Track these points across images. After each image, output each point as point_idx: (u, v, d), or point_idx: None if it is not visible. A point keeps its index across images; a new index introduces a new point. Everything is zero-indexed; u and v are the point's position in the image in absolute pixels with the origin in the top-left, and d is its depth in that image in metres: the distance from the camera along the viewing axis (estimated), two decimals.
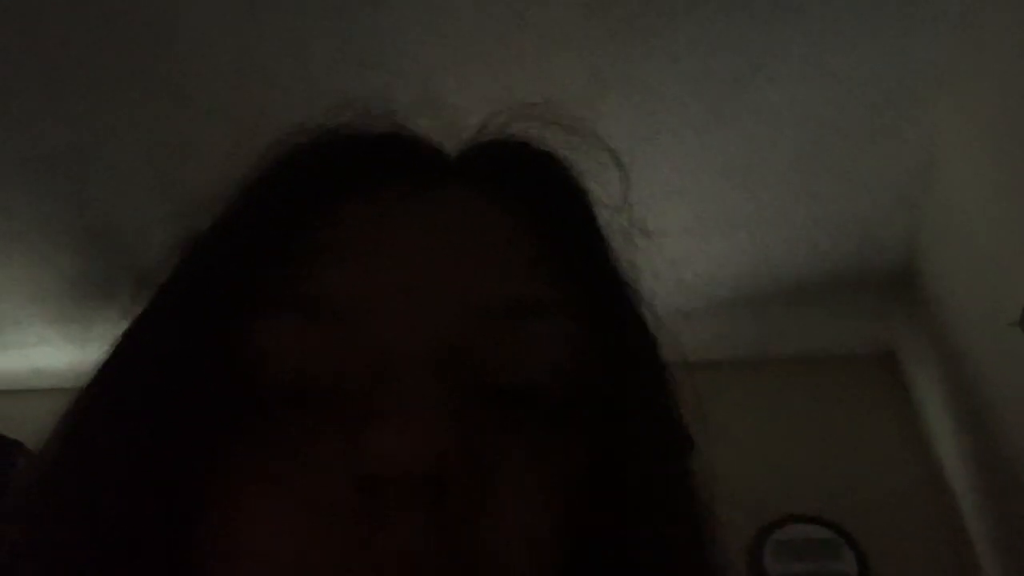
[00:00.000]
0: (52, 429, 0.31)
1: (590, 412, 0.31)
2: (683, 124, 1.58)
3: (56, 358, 2.20)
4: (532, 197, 0.36)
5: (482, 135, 0.39)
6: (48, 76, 1.51)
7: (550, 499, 0.28)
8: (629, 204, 0.39)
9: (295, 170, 0.35)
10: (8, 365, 2.32)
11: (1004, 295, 1.43)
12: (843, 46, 1.43)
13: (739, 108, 1.55)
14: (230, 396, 0.29)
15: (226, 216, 0.34)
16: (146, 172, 1.69)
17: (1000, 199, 1.41)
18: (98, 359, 0.32)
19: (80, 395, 0.31)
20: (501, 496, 0.27)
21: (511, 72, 1.47)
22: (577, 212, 0.37)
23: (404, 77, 1.45)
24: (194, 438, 0.28)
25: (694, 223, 1.81)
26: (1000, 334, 1.42)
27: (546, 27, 1.41)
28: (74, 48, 1.45)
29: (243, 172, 0.35)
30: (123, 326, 0.33)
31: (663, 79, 1.50)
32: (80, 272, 1.96)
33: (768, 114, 1.56)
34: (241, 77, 1.51)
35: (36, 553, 0.27)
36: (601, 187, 0.38)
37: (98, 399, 0.31)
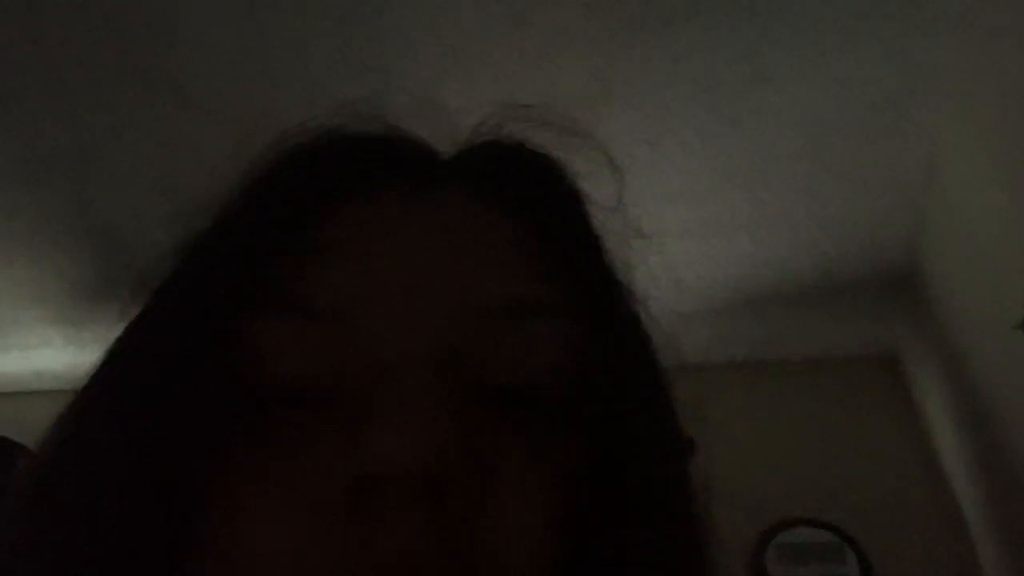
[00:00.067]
0: (50, 429, 0.31)
1: (589, 412, 0.31)
2: (684, 126, 1.58)
3: (57, 360, 2.21)
4: (528, 198, 0.36)
5: (477, 136, 0.39)
6: (49, 76, 1.51)
7: (550, 499, 0.28)
8: (624, 205, 0.39)
9: (293, 171, 0.35)
10: (9, 367, 2.33)
11: (1006, 297, 1.43)
12: (844, 48, 1.43)
13: (740, 110, 1.55)
14: (229, 396, 0.29)
15: (224, 217, 0.34)
16: (147, 173, 1.69)
17: (1002, 200, 1.41)
18: (97, 359, 0.32)
19: (78, 395, 0.31)
20: (501, 496, 0.27)
21: (513, 75, 1.47)
22: (572, 213, 0.37)
23: (405, 79, 1.45)
24: (193, 438, 0.28)
25: (695, 225, 1.81)
26: (1002, 336, 1.42)
27: (547, 30, 1.41)
28: (75, 49, 1.45)
29: (241, 173, 0.35)
30: (123, 327, 0.33)
31: (665, 82, 1.50)
32: (82, 273, 1.96)
33: (769, 116, 1.56)
34: (242, 78, 1.51)
35: (36, 554, 0.27)
36: (596, 188, 0.38)
37: (96, 399, 0.31)
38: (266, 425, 0.28)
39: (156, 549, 0.27)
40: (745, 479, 1.91)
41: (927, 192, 1.71)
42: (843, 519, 1.95)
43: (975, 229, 1.55)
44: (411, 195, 0.34)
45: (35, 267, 1.97)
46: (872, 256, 1.90)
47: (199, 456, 0.28)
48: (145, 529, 0.27)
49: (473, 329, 0.30)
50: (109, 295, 1.90)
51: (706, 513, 0.33)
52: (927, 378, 2.02)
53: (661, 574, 0.29)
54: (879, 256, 1.90)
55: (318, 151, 0.36)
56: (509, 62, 1.46)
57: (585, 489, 0.29)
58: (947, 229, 1.71)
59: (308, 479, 0.27)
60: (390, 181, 0.35)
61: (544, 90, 1.46)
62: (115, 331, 0.33)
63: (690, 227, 1.81)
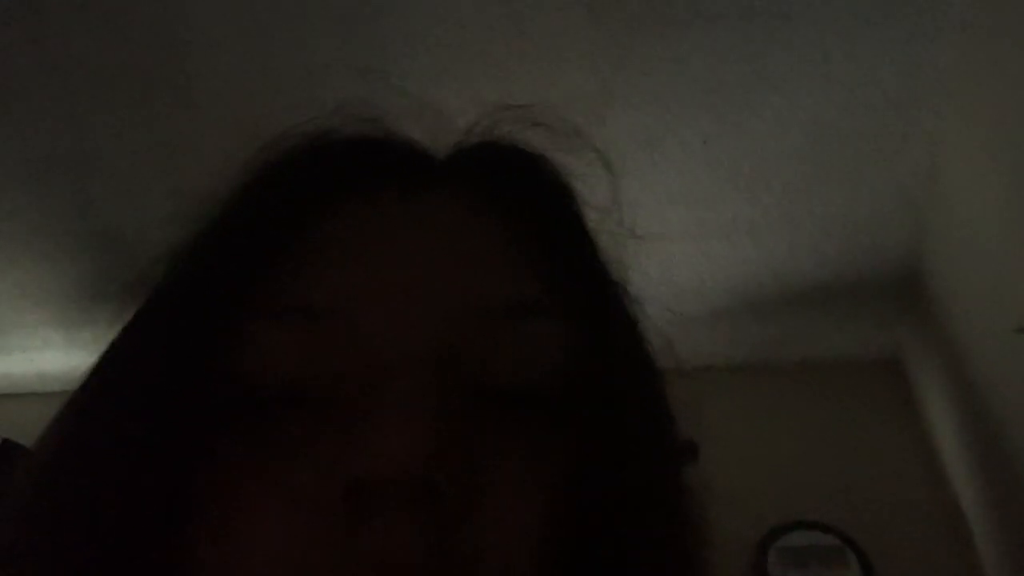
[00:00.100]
0: (49, 428, 0.31)
1: (585, 412, 0.31)
2: (686, 128, 1.59)
3: (61, 362, 2.21)
4: (522, 198, 0.36)
5: (471, 136, 0.39)
6: (52, 79, 1.51)
7: (547, 499, 0.28)
8: (619, 204, 0.39)
9: (289, 173, 0.35)
10: (12, 368, 2.33)
11: (1009, 300, 1.42)
12: (846, 50, 1.43)
13: (742, 112, 1.55)
14: (228, 397, 0.29)
15: (222, 218, 0.34)
16: (149, 174, 1.69)
17: (1005, 204, 1.41)
18: (94, 359, 0.32)
19: (75, 396, 0.32)
20: (498, 497, 0.27)
21: (514, 78, 1.47)
22: (566, 213, 0.37)
23: (406, 82, 1.45)
24: (191, 438, 0.28)
25: (697, 227, 1.81)
26: (1003, 339, 1.42)
27: (549, 32, 1.41)
28: (78, 51, 1.46)
29: (238, 174, 0.35)
30: (121, 326, 0.33)
31: (666, 84, 1.50)
32: (85, 276, 1.96)
33: (771, 118, 1.56)
34: (244, 79, 1.51)
35: (34, 553, 0.27)
36: (591, 188, 0.38)
37: (94, 401, 0.31)
38: (265, 426, 0.28)
39: (154, 549, 0.27)
40: (747, 482, 1.91)
41: (929, 195, 1.70)
42: (845, 522, 1.95)
43: (977, 232, 1.55)
44: (407, 197, 0.34)
45: (37, 269, 1.97)
46: (874, 259, 1.90)
47: (197, 456, 0.28)
48: (144, 528, 0.27)
49: (470, 330, 0.30)
50: (111, 297, 1.90)
51: (702, 513, 0.33)
52: (929, 381, 2.01)
53: (655, 573, 0.29)
54: (881, 259, 1.90)
55: (314, 153, 0.36)
56: (510, 65, 1.46)
57: (582, 489, 0.29)
58: (949, 232, 1.71)
59: (306, 480, 0.27)
60: (386, 183, 0.35)
61: (545, 92, 1.46)
62: (116, 331, 0.33)
63: (692, 229, 1.81)
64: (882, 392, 2.15)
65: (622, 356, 0.34)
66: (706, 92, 1.51)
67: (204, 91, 1.53)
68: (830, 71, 1.46)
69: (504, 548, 0.27)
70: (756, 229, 1.82)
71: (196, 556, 0.27)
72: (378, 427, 0.26)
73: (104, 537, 0.27)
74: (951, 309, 1.78)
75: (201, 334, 0.30)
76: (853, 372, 2.18)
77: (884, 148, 1.62)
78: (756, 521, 1.94)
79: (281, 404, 0.29)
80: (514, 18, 1.39)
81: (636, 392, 0.33)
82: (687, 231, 1.81)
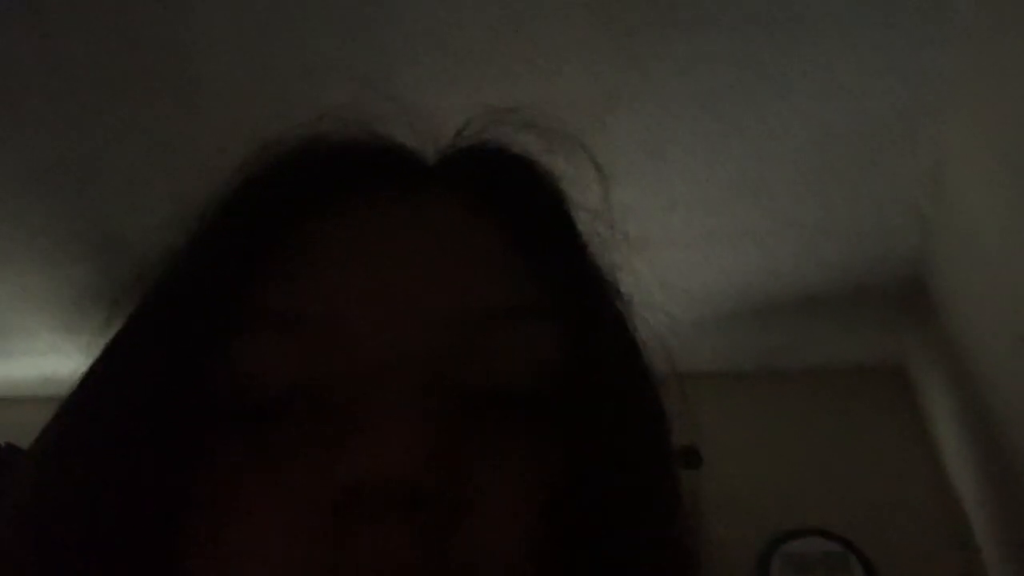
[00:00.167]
0: (44, 430, 0.31)
1: (573, 416, 0.31)
2: (690, 135, 1.58)
3: (66, 367, 2.20)
4: (510, 201, 0.36)
5: (460, 140, 0.39)
6: (58, 84, 1.52)
7: (540, 503, 0.28)
8: (610, 207, 0.39)
9: (278, 178, 0.35)
10: (18, 373, 2.33)
11: (1014, 308, 1.42)
12: (852, 58, 1.42)
13: (746, 119, 1.55)
14: (217, 409, 0.29)
15: (212, 223, 0.34)
16: (153, 179, 1.69)
17: (1010, 211, 1.41)
18: (90, 361, 0.33)
19: (70, 399, 0.32)
20: (486, 503, 0.27)
21: (516, 83, 1.47)
22: (555, 215, 0.37)
23: (407, 87, 1.45)
24: (188, 440, 0.28)
25: (701, 234, 1.81)
26: (1010, 346, 1.41)
27: (552, 38, 1.42)
28: (80, 54, 1.46)
29: (225, 181, 0.35)
30: (112, 335, 0.33)
31: (670, 90, 1.50)
32: (91, 280, 1.97)
33: (775, 125, 1.56)
34: (248, 85, 1.51)
35: (31, 553, 0.28)
36: (582, 191, 0.38)
37: (90, 403, 0.31)
38: (261, 428, 0.28)
39: (151, 550, 0.27)
40: (751, 488, 1.91)
41: (934, 202, 1.70)
42: (849, 529, 1.94)
43: (984, 240, 1.55)
44: (393, 201, 0.35)
45: (42, 273, 1.98)
46: (879, 266, 1.89)
47: (195, 457, 0.28)
48: (140, 529, 0.27)
49: (462, 333, 0.30)
50: (113, 300, 1.90)
51: (699, 517, 0.33)
52: (934, 388, 2.01)
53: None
54: (886, 266, 1.89)
55: (303, 157, 0.36)
56: (513, 70, 1.46)
57: (575, 493, 0.29)
58: (955, 239, 1.70)
59: (300, 484, 0.27)
60: (375, 186, 0.35)
61: (548, 98, 1.46)
62: (113, 332, 0.33)
63: (696, 236, 1.81)
64: (886, 399, 2.15)
65: (614, 358, 0.33)
66: (710, 98, 1.51)
67: (206, 94, 1.53)
68: (835, 77, 1.46)
69: (497, 552, 0.26)
70: (760, 235, 1.82)
71: (191, 558, 0.27)
72: (370, 432, 0.26)
73: (101, 537, 0.27)
74: (956, 316, 1.78)
75: (195, 338, 0.30)
76: (857, 378, 2.17)
77: (889, 154, 1.61)
78: (760, 527, 1.93)
79: (269, 414, 0.29)
80: (516, 22, 1.39)
81: (629, 394, 0.33)
82: (691, 237, 1.81)
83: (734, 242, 1.84)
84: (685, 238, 1.80)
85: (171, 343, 0.30)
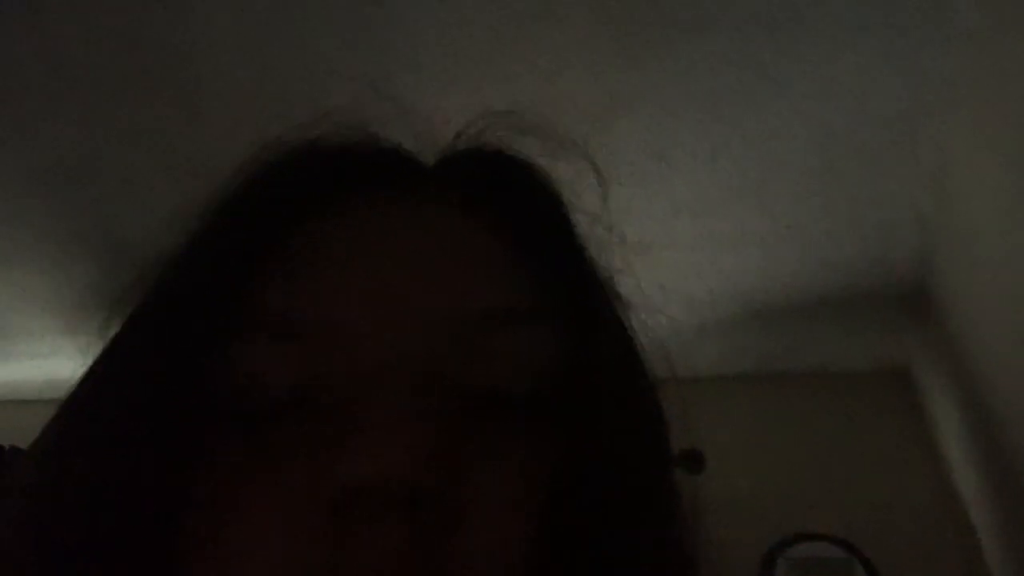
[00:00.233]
0: (44, 430, 0.31)
1: (571, 417, 0.31)
2: (693, 137, 1.58)
3: (67, 368, 2.20)
4: (508, 205, 0.36)
5: (458, 143, 0.39)
6: (62, 86, 1.52)
7: (534, 505, 0.28)
8: (608, 210, 0.39)
9: (274, 183, 0.35)
10: (22, 375, 2.34)
11: (1016, 309, 1.42)
12: (853, 59, 1.42)
13: (749, 121, 1.55)
14: (216, 412, 0.29)
15: (206, 229, 0.34)
16: (156, 181, 1.70)
17: (1012, 212, 1.41)
18: (89, 362, 0.33)
19: (70, 399, 0.32)
20: (483, 504, 0.27)
21: (521, 88, 1.47)
22: (553, 219, 0.37)
23: (411, 92, 1.45)
24: (188, 440, 0.28)
25: (705, 238, 1.81)
26: (1014, 350, 1.41)
27: (556, 42, 1.42)
28: (88, 58, 1.46)
29: (222, 184, 0.35)
30: (108, 339, 0.33)
31: (674, 94, 1.50)
32: (94, 282, 1.97)
33: (779, 128, 1.56)
34: (250, 87, 1.52)
35: (31, 553, 0.28)
36: (580, 195, 0.38)
37: (90, 403, 0.31)
38: (254, 436, 0.28)
39: (150, 549, 0.27)
40: (754, 492, 1.91)
41: (938, 205, 1.70)
42: (853, 534, 1.94)
43: (988, 244, 1.55)
44: (393, 202, 0.35)
45: (43, 275, 1.98)
46: (883, 269, 1.89)
47: (195, 457, 0.28)
48: (140, 529, 0.27)
49: (459, 335, 0.30)
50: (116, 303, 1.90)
51: (696, 519, 0.33)
52: (938, 392, 2.00)
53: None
54: (890, 269, 1.89)
55: (301, 160, 0.36)
56: (514, 72, 1.46)
57: (571, 494, 0.29)
58: (958, 242, 1.70)
59: (298, 485, 0.27)
60: (371, 189, 0.35)
61: (549, 100, 1.47)
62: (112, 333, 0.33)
63: (700, 240, 1.81)
64: (889, 401, 2.15)
65: (612, 360, 0.34)
66: (711, 99, 1.51)
67: (206, 95, 1.54)
68: (838, 80, 1.46)
69: (496, 553, 0.27)
70: (764, 239, 1.82)
71: (191, 558, 0.27)
72: (369, 432, 0.26)
73: (101, 537, 0.27)
74: (958, 318, 1.78)
75: (195, 339, 0.30)
76: (861, 382, 2.17)
77: (890, 156, 1.61)
78: (763, 532, 1.93)
79: (268, 417, 0.29)
80: (517, 23, 1.39)
81: (627, 396, 0.33)
82: (695, 241, 1.81)
83: (738, 246, 1.84)
84: (687, 241, 1.80)
85: (171, 343, 0.30)
